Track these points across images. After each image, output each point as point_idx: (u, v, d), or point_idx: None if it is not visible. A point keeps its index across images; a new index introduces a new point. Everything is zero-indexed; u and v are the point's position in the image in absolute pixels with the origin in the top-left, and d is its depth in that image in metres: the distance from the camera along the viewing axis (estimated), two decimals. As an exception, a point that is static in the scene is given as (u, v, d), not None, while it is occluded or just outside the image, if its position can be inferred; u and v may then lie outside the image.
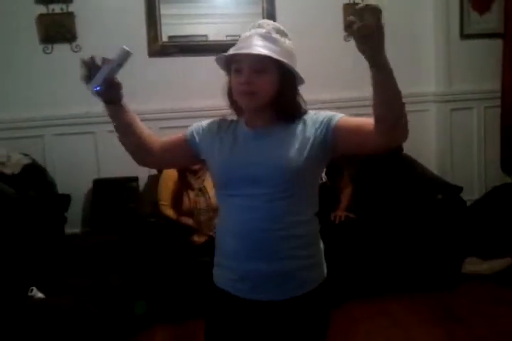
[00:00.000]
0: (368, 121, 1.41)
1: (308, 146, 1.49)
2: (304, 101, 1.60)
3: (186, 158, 1.71)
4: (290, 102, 1.55)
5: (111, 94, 1.53)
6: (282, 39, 1.53)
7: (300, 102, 1.58)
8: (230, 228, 1.56)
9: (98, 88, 1.49)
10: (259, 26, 1.54)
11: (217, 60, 1.57)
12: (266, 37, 1.50)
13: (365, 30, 1.18)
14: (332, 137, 1.49)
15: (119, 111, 1.59)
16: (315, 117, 1.54)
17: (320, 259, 1.63)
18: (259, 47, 1.47)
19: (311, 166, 1.51)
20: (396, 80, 1.32)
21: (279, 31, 1.54)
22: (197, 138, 1.63)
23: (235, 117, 1.66)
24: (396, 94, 1.34)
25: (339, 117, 1.51)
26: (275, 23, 1.57)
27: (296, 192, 1.50)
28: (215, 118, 1.67)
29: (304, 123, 1.54)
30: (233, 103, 1.60)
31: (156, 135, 1.69)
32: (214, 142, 1.59)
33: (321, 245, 1.64)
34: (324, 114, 1.54)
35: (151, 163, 1.82)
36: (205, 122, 1.67)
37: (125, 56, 1.52)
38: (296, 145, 1.49)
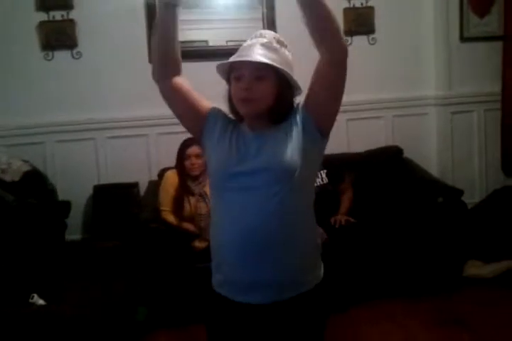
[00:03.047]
0: (316, 67, 1.51)
1: (300, 137, 1.55)
2: None
3: (190, 118, 1.67)
4: (286, 110, 1.60)
5: None
6: (282, 49, 1.58)
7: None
8: (223, 225, 1.58)
9: None
10: (261, 36, 1.59)
11: (218, 68, 1.61)
12: (267, 46, 1.55)
13: None
14: (307, 111, 1.57)
15: (170, 16, 1.56)
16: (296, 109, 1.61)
17: (316, 259, 1.64)
18: (260, 56, 1.52)
19: (307, 159, 1.54)
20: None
21: (279, 41, 1.59)
22: (214, 119, 1.65)
23: None
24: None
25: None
26: (276, 34, 1.63)
27: (291, 187, 1.52)
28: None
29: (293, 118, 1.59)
30: (234, 109, 1.63)
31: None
32: (221, 136, 1.62)
33: (318, 243, 1.67)
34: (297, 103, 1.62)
35: (163, 84, 1.65)
36: (225, 113, 1.69)
37: None
38: (292, 140, 1.54)
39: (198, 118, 1.65)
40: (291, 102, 1.62)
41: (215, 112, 1.67)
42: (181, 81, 1.64)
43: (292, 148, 1.53)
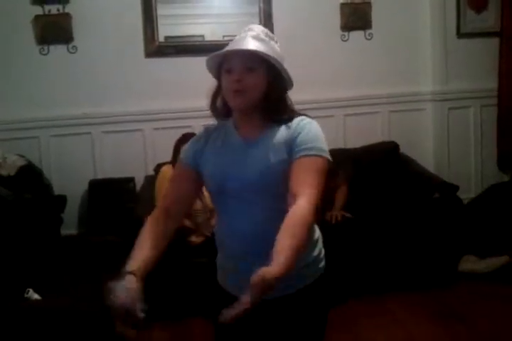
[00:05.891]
0: (296, 179, 1.46)
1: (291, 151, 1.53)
2: (292, 103, 1.62)
3: (199, 184, 1.68)
4: (277, 104, 1.58)
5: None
6: (271, 42, 1.58)
7: (288, 105, 1.61)
8: (226, 230, 1.62)
9: None
10: (250, 30, 1.59)
11: (208, 62, 1.59)
12: (257, 38, 1.56)
13: None
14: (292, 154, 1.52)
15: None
16: (299, 128, 1.54)
17: (318, 254, 1.65)
18: (252, 46, 1.52)
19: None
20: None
21: (267, 35, 1.60)
22: (193, 159, 1.64)
23: (216, 123, 1.67)
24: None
25: (303, 152, 1.51)
26: (264, 28, 1.64)
27: (285, 193, 1.51)
28: (198, 133, 1.69)
29: (290, 127, 1.56)
30: (213, 105, 1.63)
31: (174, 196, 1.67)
32: (205, 154, 1.62)
33: (319, 238, 1.67)
34: (304, 135, 1.53)
35: None
36: (189, 143, 1.68)
37: None
38: (283, 150, 1.53)
39: (195, 178, 1.64)
40: (283, 96, 1.60)
41: (186, 158, 1.65)
42: (183, 209, 1.68)
43: (285, 156, 1.52)
